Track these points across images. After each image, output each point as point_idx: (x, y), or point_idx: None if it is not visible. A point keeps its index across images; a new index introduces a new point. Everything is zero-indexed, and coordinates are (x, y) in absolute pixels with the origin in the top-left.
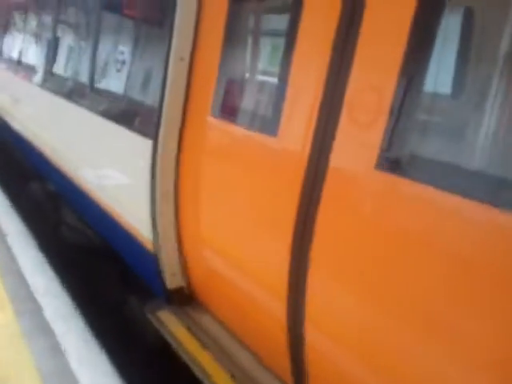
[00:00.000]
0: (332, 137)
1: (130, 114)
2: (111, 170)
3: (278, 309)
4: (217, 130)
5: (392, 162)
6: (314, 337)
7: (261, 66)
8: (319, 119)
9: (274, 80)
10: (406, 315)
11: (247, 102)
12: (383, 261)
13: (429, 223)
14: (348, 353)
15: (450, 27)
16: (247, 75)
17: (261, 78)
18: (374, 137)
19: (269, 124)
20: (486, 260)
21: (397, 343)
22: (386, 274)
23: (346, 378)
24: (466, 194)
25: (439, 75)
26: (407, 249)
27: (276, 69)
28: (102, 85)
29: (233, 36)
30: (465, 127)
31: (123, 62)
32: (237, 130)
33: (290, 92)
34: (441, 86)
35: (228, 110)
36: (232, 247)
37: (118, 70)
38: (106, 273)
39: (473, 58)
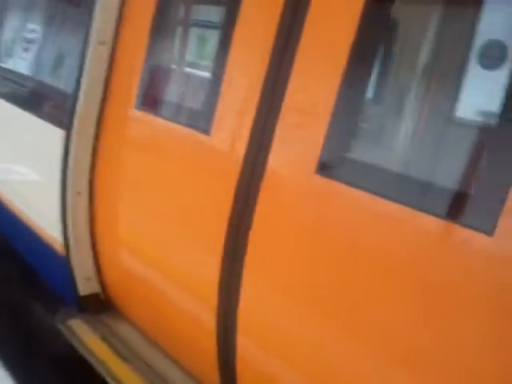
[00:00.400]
0: (270, 137)
1: (39, 100)
2: (14, 162)
3: (206, 317)
4: (142, 123)
5: (332, 166)
6: (245, 348)
7: (194, 56)
8: (256, 118)
9: (209, 73)
10: (344, 324)
11: (177, 96)
12: (321, 268)
13: (368, 229)
14: (282, 366)
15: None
16: (179, 66)
17: (194, 70)
18: (315, 139)
19: (201, 120)
20: (419, 264)
21: (335, 354)
22: (324, 282)
23: None
24: (401, 199)
25: (380, 80)
26: (346, 256)
27: (211, 61)
28: (7, 65)
29: (164, 20)
30: (401, 133)
31: (34, 41)
32: (164, 125)
33: (225, 87)
34: (381, 90)
35: (155, 103)
36: (156, 250)
37: (26, 50)
38: (8, 275)
39: (408, 65)
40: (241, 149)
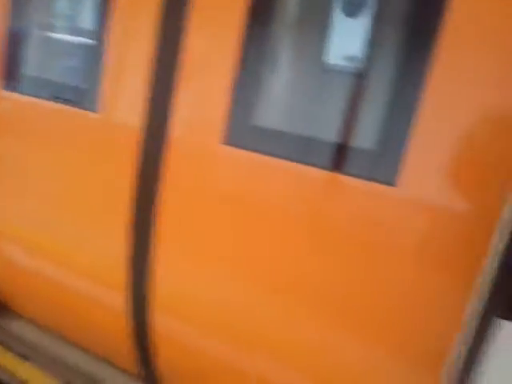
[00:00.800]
0: (168, 108)
1: None
2: None
3: (116, 298)
4: (12, 104)
5: (238, 134)
6: (162, 323)
7: (68, 22)
8: (151, 88)
9: (90, 41)
10: (259, 285)
11: (54, 71)
12: (232, 235)
13: (279, 192)
14: (202, 337)
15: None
16: (51, 34)
17: (71, 38)
18: (218, 108)
19: (86, 97)
20: (334, 218)
21: (253, 318)
22: (236, 247)
23: (202, 362)
24: (308, 160)
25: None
26: (258, 221)
27: (91, 26)
28: None
29: None
30: (300, 95)
31: None
32: (40, 105)
33: (110, 56)
34: (276, 49)
35: (27, 81)
36: (45, 238)
37: None
38: None
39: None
40: (136, 124)
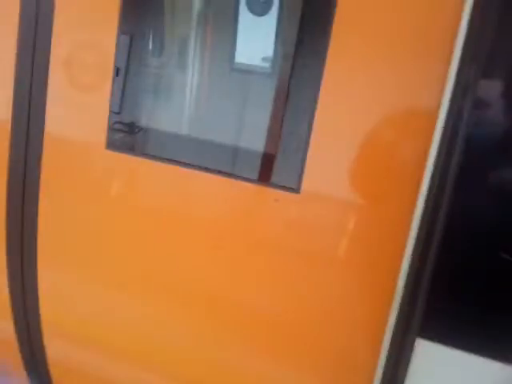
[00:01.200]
0: (39, 107)
1: None
2: None
3: (3, 330)
4: None
5: (126, 138)
6: (56, 348)
7: None
8: (18, 84)
9: None
10: (149, 295)
11: None
12: (123, 245)
13: (177, 200)
14: (98, 359)
15: None
16: None
17: None
18: (99, 109)
19: None
20: (238, 226)
21: (164, 338)
22: (129, 259)
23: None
24: (207, 166)
25: (162, 34)
26: (145, 229)
27: None
28: None
29: None
30: (194, 94)
31: None
32: None
33: None
34: (164, 46)
35: None
36: None
37: None
38: None
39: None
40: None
